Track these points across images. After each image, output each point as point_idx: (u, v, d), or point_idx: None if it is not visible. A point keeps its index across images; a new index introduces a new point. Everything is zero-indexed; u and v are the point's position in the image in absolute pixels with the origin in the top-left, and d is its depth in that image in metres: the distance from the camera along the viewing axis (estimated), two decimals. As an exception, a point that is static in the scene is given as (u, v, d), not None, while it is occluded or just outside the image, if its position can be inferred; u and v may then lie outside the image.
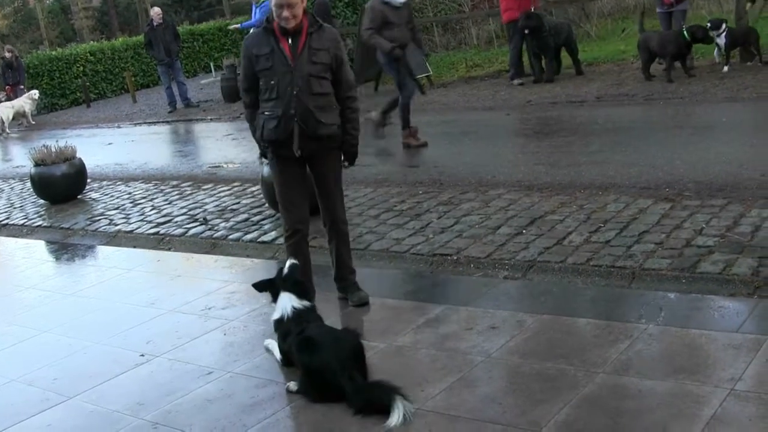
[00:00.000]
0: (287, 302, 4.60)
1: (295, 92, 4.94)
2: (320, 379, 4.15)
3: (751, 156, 7.42)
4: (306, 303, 4.63)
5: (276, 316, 4.63)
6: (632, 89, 11.80)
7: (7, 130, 19.83)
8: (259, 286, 4.85)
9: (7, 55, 21.97)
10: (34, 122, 20.88)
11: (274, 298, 4.70)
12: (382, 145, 10.31)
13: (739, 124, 9.05)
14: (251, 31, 15.52)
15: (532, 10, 13.58)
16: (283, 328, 4.57)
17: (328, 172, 5.27)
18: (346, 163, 5.36)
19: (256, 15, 16.44)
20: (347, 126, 5.20)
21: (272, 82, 4.98)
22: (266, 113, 5.07)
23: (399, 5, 9.41)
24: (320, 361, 4.16)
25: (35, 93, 20.92)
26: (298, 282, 4.74)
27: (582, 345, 4.39)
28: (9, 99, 21.38)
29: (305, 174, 5.28)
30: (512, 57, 14.10)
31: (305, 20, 5.00)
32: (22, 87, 21.66)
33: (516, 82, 13.88)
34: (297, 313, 4.54)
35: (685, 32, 11.78)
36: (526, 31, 13.32)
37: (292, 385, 4.31)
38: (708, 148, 7.97)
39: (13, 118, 20.37)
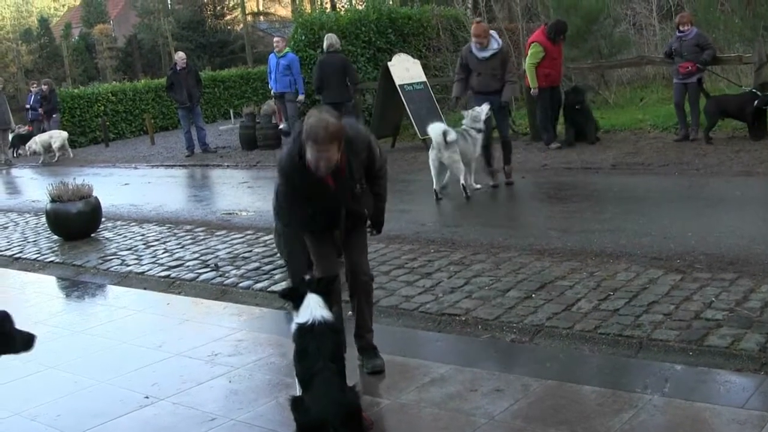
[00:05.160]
0: (315, 307, 4.29)
1: (341, 211, 4.91)
2: None
3: (763, 231, 7.43)
4: (330, 315, 4.34)
5: (301, 319, 4.30)
6: (648, 158, 11.83)
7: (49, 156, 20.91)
8: (283, 293, 4.62)
9: (44, 87, 22.87)
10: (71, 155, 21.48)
11: (297, 305, 4.37)
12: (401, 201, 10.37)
13: (752, 198, 9.08)
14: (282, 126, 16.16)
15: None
16: (304, 339, 4.23)
17: (352, 228, 5.13)
18: (374, 232, 5.30)
19: (281, 63, 16.74)
20: (376, 198, 5.13)
21: (315, 203, 4.83)
22: (309, 217, 4.91)
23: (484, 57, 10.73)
24: (314, 423, 3.98)
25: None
26: (323, 286, 4.48)
27: (586, 412, 4.38)
28: (42, 130, 22.28)
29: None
30: (543, 121, 14.08)
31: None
32: (55, 116, 22.45)
33: (553, 146, 13.79)
34: (321, 328, 4.23)
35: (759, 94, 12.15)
36: (578, 107, 13.77)
37: (292, 438, 4.26)
38: (720, 221, 7.99)
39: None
